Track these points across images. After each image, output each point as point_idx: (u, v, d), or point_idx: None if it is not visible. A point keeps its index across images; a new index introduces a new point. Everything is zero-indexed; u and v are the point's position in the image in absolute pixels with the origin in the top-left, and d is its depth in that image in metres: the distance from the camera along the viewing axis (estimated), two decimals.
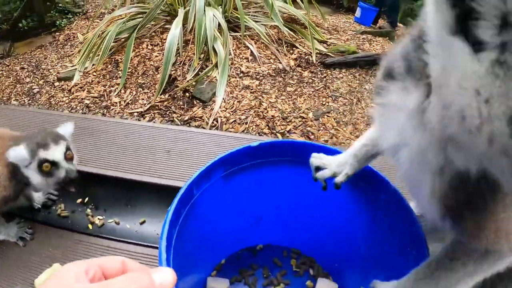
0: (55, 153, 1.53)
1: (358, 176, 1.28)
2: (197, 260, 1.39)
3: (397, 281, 1.07)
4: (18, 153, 1.48)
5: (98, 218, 1.90)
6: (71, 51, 5.69)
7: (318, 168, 1.32)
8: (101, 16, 6.00)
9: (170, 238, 1.05)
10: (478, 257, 0.92)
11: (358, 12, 7.25)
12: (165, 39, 4.61)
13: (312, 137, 4.12)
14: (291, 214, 1.54)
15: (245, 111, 4.24)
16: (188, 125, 4.08)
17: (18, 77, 5.29)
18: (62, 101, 4.63)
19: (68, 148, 1.59)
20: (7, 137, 1.60)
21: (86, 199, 1.98)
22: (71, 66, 5.22)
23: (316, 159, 1.33)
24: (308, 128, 4.20)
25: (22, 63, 5.62)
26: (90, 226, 1.87)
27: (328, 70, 5.08)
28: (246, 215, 1.54)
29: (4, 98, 4.94)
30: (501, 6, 0.52)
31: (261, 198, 1.49)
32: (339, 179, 1.27)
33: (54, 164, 1.53)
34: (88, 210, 1.93)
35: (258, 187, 1.45)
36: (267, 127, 4.11)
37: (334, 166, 1.29)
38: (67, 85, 4.84)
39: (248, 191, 1.43)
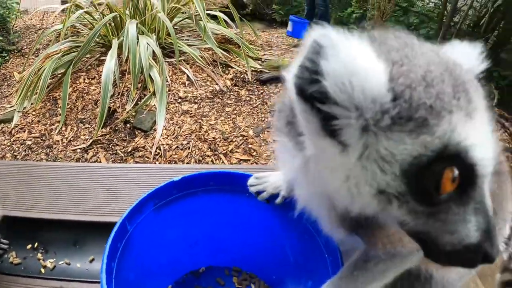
0: None
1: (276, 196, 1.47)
2: (143, 287, 1.51)
3: (325, 284, 1.21)
4: None
5: (50, 261, 1.96)
6: (8, 91, 5.64)
7: (258, 192, 1.49)
8: (36, 53, 5.96)
9: (110, 271, 1.17)
10: (386, 258, 1.08)
11: (290, 26, 7.49)
12: (102, 71, 4.64)
13: (254, 153, 4.26)
14: (225, 236, 1.67)
15: (186, 136, 4.34)
16: (131, 156, 4.15)
17: None
18: (3, 145, 4.60)
19: None
20: None
21: (36, 244, 2.03)
22: (10, 107, 5.18)
23: (253, 186, 1.50)
24: (250, 146, 4.34)
25: None
26: (42, 270, 1.93)
27: (264, 87, 5.25)
28: (182, 242, 1.66)
29: None
30: (358, 115, 0.67)
31: (194, 225, 1.62)
32: (278, 201, 1.47)
33: None
34: (39, 255, 1.97)
35: (189, 214, 1.58)
36: (209, 149, 4.23)
37: (271, 189, 1.47)
38: (7, 127, 4.81)
39: (180, 220, 1.55)
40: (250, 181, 1.51)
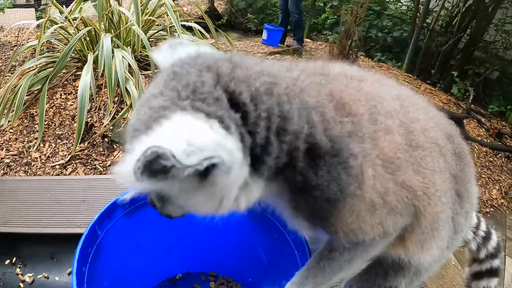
0: None
1: None
2: None
3: (294, 277, 1.25)
4: None
5: (28, 276, 1.97)
6: None
7: None
8: (12, 70, 5.93)
9: (80, 275, 1.20)
10: (350, 247, 1.13)
11: (264, 34, 7.58)
12: (78, 86, 4.64)
13: None
14: (200, 240, 1.70)
15: None
16: (111, 170, 4.15)
17: None
18: None
19: None
20: None
21: (14, 259, 2.05)
22: None
23: None
24: None
25: None
26: (21, 285, 1.94)
27: None
28: (156, 248, 1.69)
29: None
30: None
31: (167, 229, 1.63)
32: None
33: None
34: (18, 270, 1.99)
35: (161, 219, 1.59)
36: None
37: None
38: None
39: (152, 225, 1.56)
40: None
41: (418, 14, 9.19)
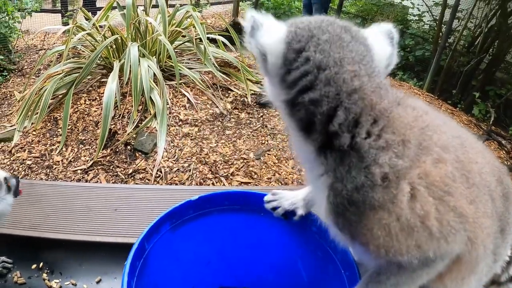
0: None
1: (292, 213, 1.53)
2: None
3: None
4: None
5: (55, 282, 1.97)
6: (9, 110, 5.67)
7: (274, 208, 1.57)
8: (37, 73, 6.00)
9: None
10: (396, 271, 1.14)
11: None
12: (103, 93, 4.69)
13: (255, 176, 4.30)
14: (238, 255, 1.70)
15: (187, 159, 4.38)
16: (132, 178, 4.18)
17: None
18: (3, 163, 4.61)
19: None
20: None
21: (41, 264, 2.06)
22: (10, 126, 5.20)
23: (269, 203, 1.57)
24: (251, 168, 4.38)
25: None
26: None
27: (264, 109, 5.31)
28: (195, 262, 1.69)
29: None
30: None
31: (207, 243, 1.66)
32: (295, 218, 1.54)
33: None
34: (44, 275, 2.00)
35: (203, 234, 1.62)
36: (210, 172, 4.26)
37: (287, 205, 1.55)
38: (7, 147, 4.82)
39: (194, 239, 1.59)
40: (267, 197, 1.58)
41: (440, 33, 9.13)
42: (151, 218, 1.45)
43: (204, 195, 1.55)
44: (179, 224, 1.53)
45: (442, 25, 9.19)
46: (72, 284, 1.98)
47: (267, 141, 4.82)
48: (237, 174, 4.29)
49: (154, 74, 4.99)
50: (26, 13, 7.45)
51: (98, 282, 1.99)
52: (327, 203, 1.09)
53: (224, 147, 4.61)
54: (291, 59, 1.02)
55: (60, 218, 2.27)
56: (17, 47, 7.66)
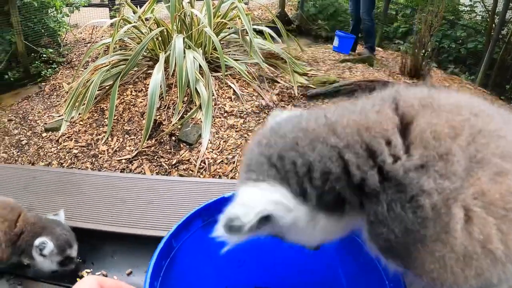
0: (74, 252, 1.77)
1: None
2: None
3: None
4: (49, 249, 1.69)
5: (86, 271, 1.93)
6: (57, 101, 5.77)
7: None
8: (85, 65, 6.07)
9: None
10: None
11: (336, 41, 7.42)
12: (148, 84, 4.69)
13: None
14: (273, 254, 1.59)
15: (231, 151, 4.31)
16: (176, 168, 4.14)
17: (6, 129, 5.35)
18: (50, 152, 4.68)
19: None
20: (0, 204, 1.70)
21: None
22: (58, 116, 5.29)
23: None
24: None
25: (9, 115, 5.68)
26: (78, 280, 1.91)
27: (311, 102, 5.18)
28: (227, 263, 1.59)
29: None
30: None
31: (242, 243, 1.55)
32: None
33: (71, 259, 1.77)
34: None
35: None
36: None
37: None
38: (55, 136, 4.90)
39: None
40: None
41: (493, 25, 8.74)
42: (186, 211, 1.35)
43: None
44: (211, 222, 1.40)
45: (495, 16, 8.80)
46: (103, 274, 1.91)
47: None
48: None
49: (200, 66, 4.95)
50: (74, 8, 7.60)
51: (128, 275, 1.92)
52: (368, 239, 0.95)
53: None
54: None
55: (95, 208, 2.22)
56: (66, 40, 7.82)
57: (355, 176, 0.84)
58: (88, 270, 1.94)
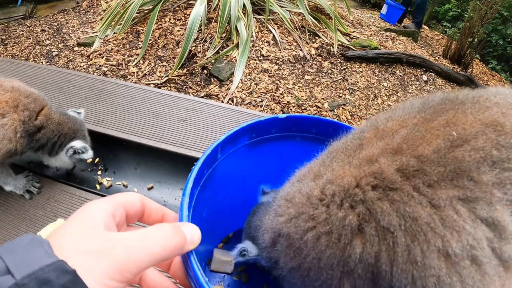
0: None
1: None
2: (207, 230, 1.35)
3: None
4: (89, 155, 1.73)
5: (107, 179, 1.90)
6: (93, 18, 5.67)
7: None
8: None
9: (191, 197, 1.00)
10: None
11: (384, 9, 7.19)
12: (189, 14, 4.59)
13: None
14: None
15: (261, 94, 4.21)
16: None
17: (38, 39, 5.28)
18: (79, 66, 4.62)
19: None
20: (23, 92, 1.60)
21: (97, 159, 1.99)
22: (92, 33, 5.20)
23: None
24: None
25: (43, 26, 5.60)
26: (97, 186, 1.87)
27: (348, 63, 5.03)
28: (258, 185, 1.50)
29: (23, 58, 4.94)
30: None
31: (280, 171, 1.45)
32: None
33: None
34: (99, 172, 1.94)
35: (279, 159, 1.39)
36: (281, 111, 4.07)
37: None
38: (86, 51, 4.83)
39: (269, 162, 1.39)
40: None
41: None
42: (217, 135, 1.26)
43: (293, 115, 1.29)
44: (257, 142, 1.31)
45: None
46: (124, 185, 1.88)
47: (345, 95, 4.56)
48: None
49: (244, 5, 4.80)
50: None
51: (149, 189, 1.88)
52: None
53: (300, 91, 4.39)
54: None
55: (125, 118, 2.16)
56: None
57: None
58: (109, 179, 1.91)
